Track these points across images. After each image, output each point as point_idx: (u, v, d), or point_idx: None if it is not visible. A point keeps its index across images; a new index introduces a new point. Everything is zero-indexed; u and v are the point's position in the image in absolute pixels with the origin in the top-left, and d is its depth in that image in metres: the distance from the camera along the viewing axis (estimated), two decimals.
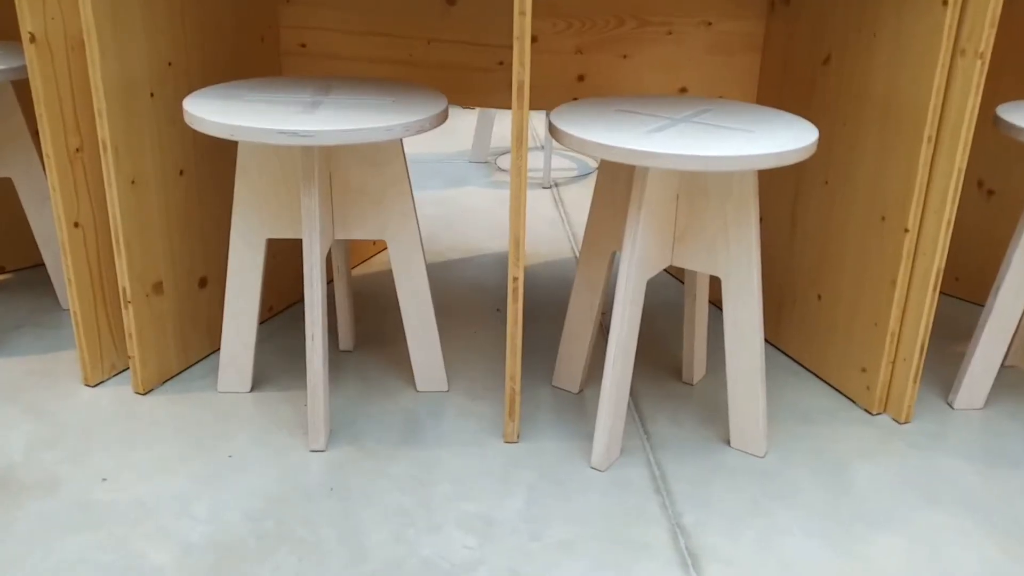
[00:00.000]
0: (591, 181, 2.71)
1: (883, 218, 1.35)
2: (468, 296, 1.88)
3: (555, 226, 2.32)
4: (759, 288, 1.23)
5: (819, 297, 1.51)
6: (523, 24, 1.06)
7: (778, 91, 1.53)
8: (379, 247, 2.09)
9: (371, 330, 1.71)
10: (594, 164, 2.88)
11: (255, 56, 1.55)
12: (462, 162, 2.86)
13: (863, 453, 1.35)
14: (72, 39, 1.30)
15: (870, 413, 1.45)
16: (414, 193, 2.55)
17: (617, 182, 1.31)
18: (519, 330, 1.26)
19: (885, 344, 1.38)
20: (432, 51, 1.52)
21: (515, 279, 1.22)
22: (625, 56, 1.50)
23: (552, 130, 1.18)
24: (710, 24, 1.50)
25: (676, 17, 1.48)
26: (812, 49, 1.45)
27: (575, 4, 1.46)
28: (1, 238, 1.87)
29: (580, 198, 2.55)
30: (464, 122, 3.35)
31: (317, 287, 1.26)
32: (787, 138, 1.13)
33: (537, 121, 3.40)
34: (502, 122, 3.34)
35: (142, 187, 1.36)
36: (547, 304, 1.85)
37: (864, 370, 1.44)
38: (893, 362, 1.40)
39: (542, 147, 3.04)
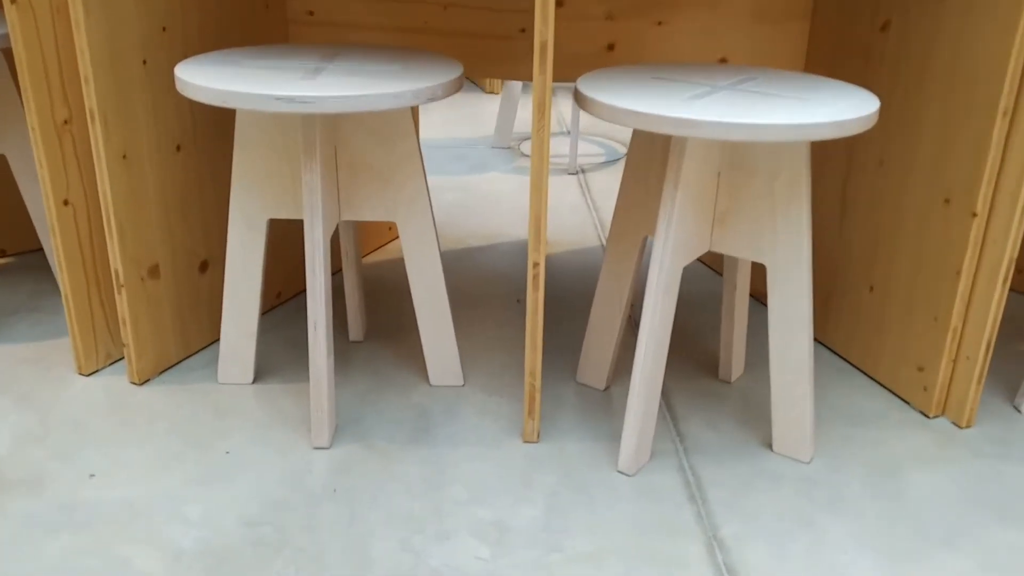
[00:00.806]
0: (620, 168, 2.58)
1: (947, 201, 1.21)
2: (487, 285, 1.76)
3: (581, 213, 2.20)
4: (809, 277, 1.10)
5: (871, 289, 1.38)
6: None
7: (829, 61, 1.39)
8: (394, 233, 1.98)
9: (383, 320, 1.61)
10: (623, 150, 2.75)
11: (259, 23, 1.45)
12: (484, 148, 2.75)
13: (920, 460, 1.22)
14: (57, 0, 1.20)
15: (927, 416, 1.32)
16: (432, 178, 2.44)
17: (650, 158, 1.18)
18: (539, 320, 1.15)
19: (946, 341, 1.24)
20: (449, 17, 1.40)
21: (535, 265, 1.11)
22: (660, 23, 1.37)
23: (578, 98, 1.06)
24: None
25: None
26: (869, 14, 1.31)
27: None
28: (1, 220, 1.79)
29: (608, 185, 2.42)
30: (486, 107, 3.24)
31: (320, 272, 1.15)
32: (845, 106, 1.00)
33: (563, 105, 3.28)
34: (526, 107, 3.21)
35: (135, 162, 1.26)
36: (572, 295, 1.73)
37: (921, 369, 1.30)
38: (955, 360, 1.27)
39: (567, 132, 2.92)
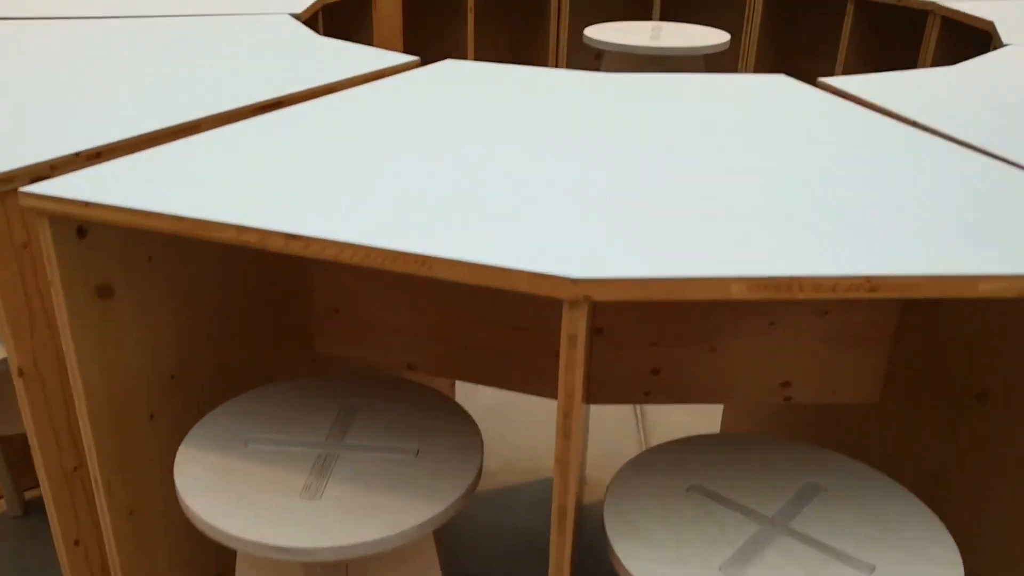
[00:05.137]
0: None
1: None
2: (509, 555, 1.62)
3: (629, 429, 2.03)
4: None
5: None
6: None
7: (911, 392, 1.21)
8: None
9: None
10: None
11: (280, 355, 1.35)
12: None
13: None
14: (64, 364, 1.15)
15: None
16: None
17: None
18: None
19: None
20: (479, 332, 1.28)
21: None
22: (713, 349, 1.22)
23: (607, 522, 0.93)
24: (826, 313, 1.20)
25: (783, 305, 1.19)
26: (961, 382, 1.13)
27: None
28: None
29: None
30: None
31: None
32: None
33: None
34: None
35: (143, 517, 1.19)
36: None
37: None
38: None
39: None
